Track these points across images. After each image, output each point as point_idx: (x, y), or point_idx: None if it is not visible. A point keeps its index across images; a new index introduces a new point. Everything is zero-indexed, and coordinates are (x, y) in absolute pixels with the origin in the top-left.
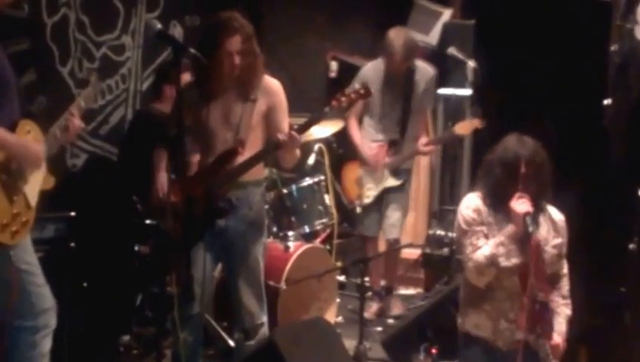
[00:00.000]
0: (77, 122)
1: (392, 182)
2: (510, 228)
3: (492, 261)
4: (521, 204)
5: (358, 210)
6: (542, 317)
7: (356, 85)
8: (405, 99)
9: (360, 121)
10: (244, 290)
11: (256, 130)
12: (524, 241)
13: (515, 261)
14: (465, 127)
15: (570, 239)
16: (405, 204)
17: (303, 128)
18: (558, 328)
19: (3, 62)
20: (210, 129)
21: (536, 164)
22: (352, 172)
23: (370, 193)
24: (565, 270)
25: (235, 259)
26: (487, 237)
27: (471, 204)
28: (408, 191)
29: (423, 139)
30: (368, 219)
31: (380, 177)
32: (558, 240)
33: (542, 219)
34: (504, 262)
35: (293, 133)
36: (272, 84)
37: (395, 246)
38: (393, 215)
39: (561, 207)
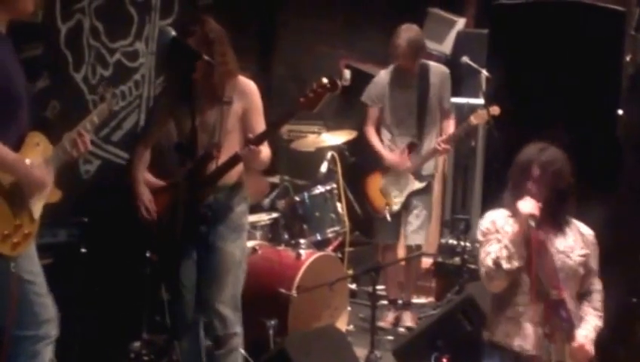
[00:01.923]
0: (86, 139)
1: (416, 185)
2: (514, 229)
3: (496, 264)
4: (526, 205)
5: (389, 218)
6: (557, 314)
7: (324, 79)
8: (421, 100)
9: (378, 130)
10: (219, 296)
11: (232, 133)
12: (529, 242)
13: (516, 264)
14: (481, 116)
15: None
16: (429, 209)
17: (274, 128)
18: (584, 332)
19: (12, 75)
20: (186, 131)
21: (550, 170)
22: (375, 182)
23: (397, 200)
24: (598, 286)
25: (213, 263)
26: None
27: (487, 217)
28: (431, 197)
29: (440, 137)
30: (388, 226)
31: (404, 183)
32: (585, 251)
33: (567, 230)
34: (506, 265)
35: (252, 147)
36: (247, 85)
37: (416, 252)
38: (416, 221)
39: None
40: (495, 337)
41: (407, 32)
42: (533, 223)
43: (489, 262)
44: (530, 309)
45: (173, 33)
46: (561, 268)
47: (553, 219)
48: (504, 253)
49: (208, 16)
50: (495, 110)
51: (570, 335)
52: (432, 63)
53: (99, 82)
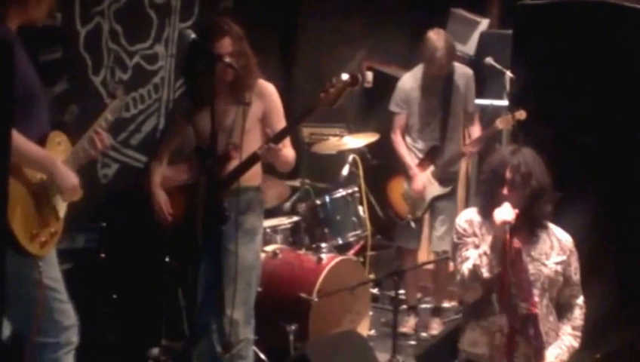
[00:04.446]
0: (103, 136)
1: (439, 190)
2: (491, 238)
3: (475, 272)
4: (501, 212)
5: (413, 224)
6: (525, 330)
7: (343, 75)
8: (445, 102)
9: (404, 136)
10: (230, 302)
11: (251, 134)
12: (503, 250)
13: (496, 272)
14: (506, 121)
15: (602, 248)
16: (454, 214)
17: (293, 124)
18: (556, 352)
19: (28, 72)
20: (205, 134)
21: (524, 172)
22: (398, 186)
23: (420, 205)
24: (579, 301)
25: (224, 267)
26: (477, 248)
27: (464, 216)
28: (456, 201)
29: (466, 140)
30: (409, 232)
31: (427, 189)
32: (562, 258)
33: (543, 235)
34: (486, 273)
35: (271, 145)
36: (266, 87)
37: (443, 259)
38: (441, 227)
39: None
40: (462, 345)
41: (442, 38)
42: (507, 229)
43: (465, 271)
44: (503, 319)
45: (193, 36)
46: (537, 278)
47: (529, 222)
48: (484, 260)
49: (223, 16)
50: (521, 114)
51: (539, 354)
52: (456, 64)
53: (112, 90)
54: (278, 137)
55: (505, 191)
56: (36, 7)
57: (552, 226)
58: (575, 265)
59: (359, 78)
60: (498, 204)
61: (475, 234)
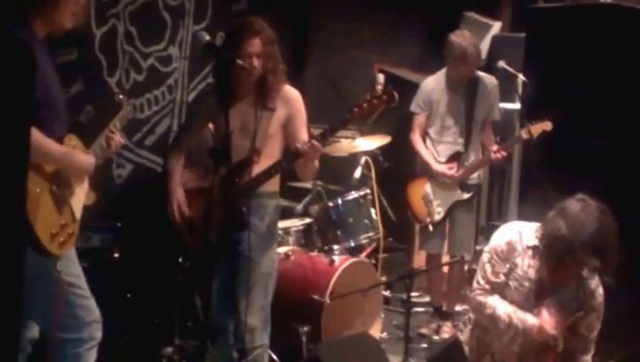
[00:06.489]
0: (118, 138)
1: (460, 195)
2: (531, 328)
3: (491, 321)
4: (550, 325)
5: (431, 228)
6: None
7: (378, 89)
8: (469, 110)
9: (424, 137)
10: (247, 308)
11: (273, 140)
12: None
13: (514, 349)
14: (536, 129)
15: None
16: (473, 221)
17: (324, 137)
18: None
19: (47, 77)
20: (222, 137)
21: (599, 250)
22: (419, 189)
23: (440, 209)
24: (587, 357)
25: (242, 273)
26: (507, 276)
27: (506, 234)
28: (475, 207)
29: (494, 147)
30: (432, 237)
31: (449, 192)
32: (577, 314)
33: (573, 283)
34: (503, 338)
35: (314, 142)
36: (291, 92)
37: (464, 264)
38: (462, 233)
39: None
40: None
41: (469, 40)
42: (552, 344)
43: (488, 310)
44: (516, 348)
45: (207, 38)
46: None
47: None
48: (511, 332)
49: (256, 16)
50: (547, 125)
51: None
52: (481, 73)
53: (132, 87)
54: (323, 137)
55: (573, 266)
56: (60, 13)
57: (589, 277)
58: (589, 321)
59: (396, 96)
60: (556, 273)
61: (508, 260)
